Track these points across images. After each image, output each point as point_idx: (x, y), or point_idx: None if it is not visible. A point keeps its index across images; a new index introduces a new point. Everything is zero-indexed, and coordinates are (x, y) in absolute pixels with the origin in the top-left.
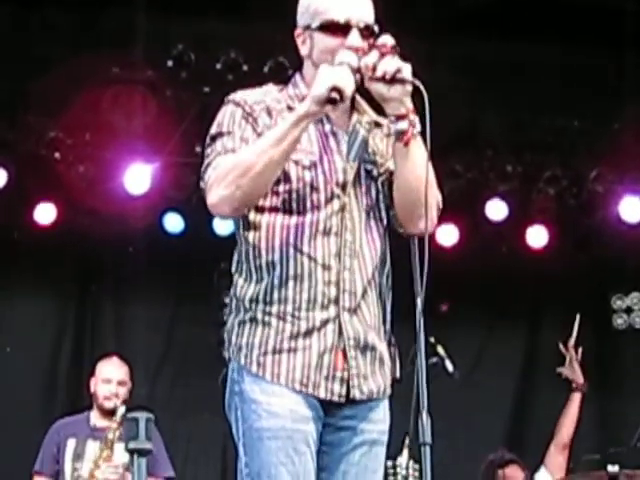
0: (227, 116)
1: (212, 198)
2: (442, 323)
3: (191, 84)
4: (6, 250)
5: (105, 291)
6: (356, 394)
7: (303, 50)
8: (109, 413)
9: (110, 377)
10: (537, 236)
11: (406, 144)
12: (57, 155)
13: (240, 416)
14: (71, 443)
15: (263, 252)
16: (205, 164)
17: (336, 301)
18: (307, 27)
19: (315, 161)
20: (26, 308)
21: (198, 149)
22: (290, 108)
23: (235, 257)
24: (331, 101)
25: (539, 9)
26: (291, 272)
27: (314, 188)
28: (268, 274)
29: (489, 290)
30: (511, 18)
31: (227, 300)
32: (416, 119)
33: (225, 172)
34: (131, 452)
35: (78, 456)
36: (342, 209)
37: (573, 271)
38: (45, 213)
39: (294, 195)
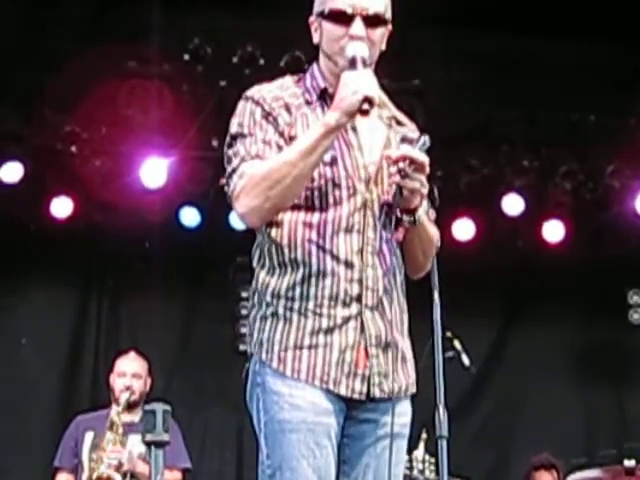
0: (247, 116)
1: (241, 208)
2: (458, 317)
3: (207, 78)
4: (23, 244)
5: (121, 285)
6: (376, 392)
7: (315, 38)
8: (127, 406)
9: (124, 370)
10: (553, 231)
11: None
12: (73, 149)
13: (262, 407)
14: (89, 436)
15: (286, 249)
16: (230, 169)
17: (358, 299)
18: (319, 14)
19: (336, 157)
20: (42, 301)
21: (215, 143)
22: (308, 103)
23: (257, 251)
24: (363, 112)
25: (555, 4)
26: (314, 269)
27: (336, 184)
28: (291, 270)
29: (505, 284)
30: (527, 13)
31: (248, 294)
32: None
33: (253, 183)
34: (148, 444)
35: (95, 446)
36: (364, 206)
37: (589, 266)
38: (61, 207)
39: (316, 192)
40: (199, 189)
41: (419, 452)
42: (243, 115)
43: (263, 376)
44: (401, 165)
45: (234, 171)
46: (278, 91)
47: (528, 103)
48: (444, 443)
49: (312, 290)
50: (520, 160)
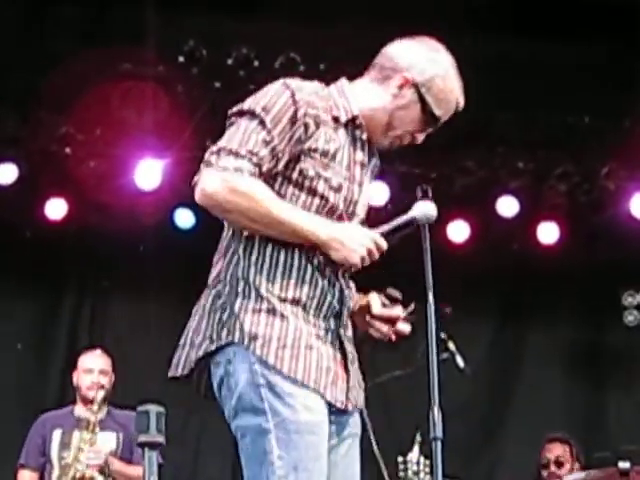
0: (277, 106)
1: (216, 197)
2: (453, 319)
3: (202, 80)
4: (16, 246)
5: (116, 287)
6: (349, 406)
7: (391, 90)
8: (93, 403)
9: (91, 367)
10: (548, 232)
11: None
12: (68, 151)
13: (269, 409)
14: (57, 434)
15: (282, 253)
16: (230, 146)
17: (337, 316)
18: (417, 86)
19: (341, 185)
20: (35, 303)
21: (209, 144)
22: (336, 119)
23: (243, 240)
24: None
25: (552, 6)
26: (307, 278)
27: (332, 210)
28: (285, 272)
29: (500, 286)
30: (523, 15)
31: (221, 275)
32: None
33: (247, 199)
34: (142, 445)
35: (65, 445)
36: None
37: (584, 268)
38: (56, 209)
39: (313, 209)
40: (194, 191)
41: (414, 454)
42: (274, 103)
43: (268, 376)
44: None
45: (235, 154)
46: (316, 99)
47: (523, 105)
48: (439, 444)
49: (303, 297)
50: (515, 162)
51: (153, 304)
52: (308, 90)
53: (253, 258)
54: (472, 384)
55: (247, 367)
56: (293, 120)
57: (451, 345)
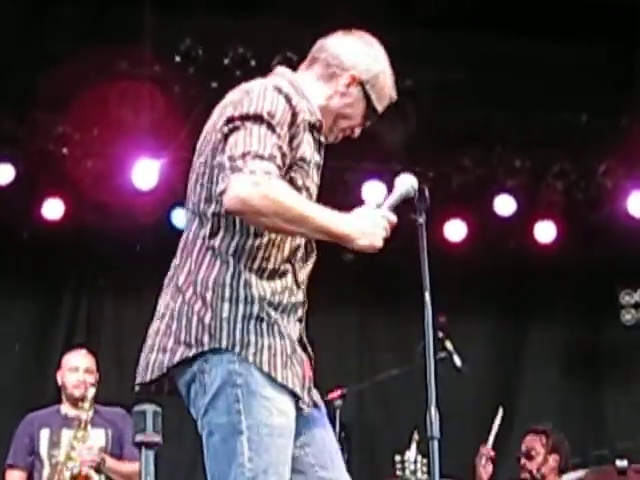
0: (280, 111)
1: (252, 200)
2: (450, 318)
3: (199, 79)
4: (14, 245)
5: (113, 286)
6: (311, 405)
7: (339, 88)
8: (79, 401)
9: (77, 365)
10: (545, 231)
11: None
12: (65, 151)
13: (243, 409)
14: (45, 433)
15: (273, 258)
16: (253, 152)
17: (301, 320)
18: (362, 84)
19: (313, 191)
20: (33, 303)
21: None
22: (312, 126)
23: (231, 242)
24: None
25: (550, 5)
26: (289, 284)
27: None
28: (270, 278)
29: (497, 285)
30: (521, 14)
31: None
32: None
33: (277, 199)
34: (139, 445)
35: (54, 444)
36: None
37: (581, 266)
38: (53, 209)
39: None
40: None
41: (411, 453)
42: (276, 108)
43: (247, 377)
44: None
45: (260, 157)
46: (303, 103)
47: (520, 103)
48: (435, 444)
49: (285, 302)
50: (512, 160)
51: (150, 303)
52: (294, 92)
53: (242, 264)
54: (469, 383)
55: (225, 367)
56: (291, 126)
57: (448, 344)
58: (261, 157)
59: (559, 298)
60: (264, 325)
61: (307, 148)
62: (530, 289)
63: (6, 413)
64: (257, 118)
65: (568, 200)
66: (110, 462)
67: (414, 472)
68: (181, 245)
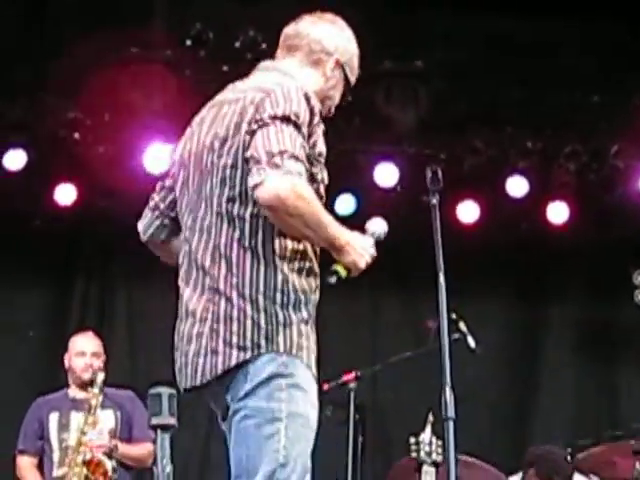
0: (302, 112)
1: (288, 200)
2: (463, 299)
3: (210, 63)
4: (27, 231)
5: (125, 272)
6: None
7: (327, 72)
8: (87, 385)
9: (84, 350)
10: (558, 212)
11: None
12: (77, 136)
13: (286, 398)
14: (54, 416)
15: (307, 257)
16: (289, 151)
17: None
18: (343, 66)
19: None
20: (44, 289)
21: None
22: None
23: (271, 242)
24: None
25: None
26: (318, 282)
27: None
28: (309, 277)
29: (510, 266)
30: None
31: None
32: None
33: (306, 202)
34: (154, 428)
35: (63, 427)
36: None
37: (594, 247)
38: (65, 194)
39: None
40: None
41: (426, 435)
42: (299, 109)
43: (292, 370)
44: None
45: (295, 158)
46: (318, 102)
47: (532, 84)
48: (451, 425)
49: (315, 300)
50: (524, 142)
51: (160, 288)
52: (313, 95)
53: (285, 265)
54: (483, 364)
55: (274, 360)
56: (310, 125)
57: (462, 326)
58: (296, 158)
59: (572, 279)
60: (308, 326)
61: (322, 142)
62: (543, 270)
63: (21, 398)
64: (285, 119)
65: (580, 181)
66: (121, 447)
67: (429, 454)
68: (209, 247)
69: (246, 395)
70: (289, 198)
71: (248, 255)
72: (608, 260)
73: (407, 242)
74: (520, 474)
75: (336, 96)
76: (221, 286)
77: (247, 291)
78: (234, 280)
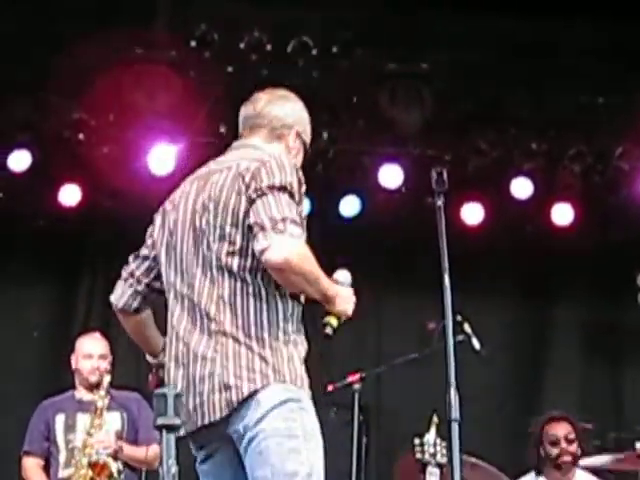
0: (295, 183)
1: (294, 262)
2: (468, 301)
3: (214, 64)
4: (31, 231)
5: None
6: None
7: (289, 144)
8: (94, 387)
9: (91, 352)
10: (563, 214)
11: None
12: (81, 136)
13: (299, 418)
14: (60, 418)
15: (296, 299)
16: (290, 217)
17: None
18: (303, 140)
19: None
20: (48, 290)
21: (222, 129)
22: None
23: (273, 289)
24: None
25: None
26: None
27: None
28: (293, 315)
29: (514, 268)
30: None
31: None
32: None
33: (309, 262)
34: (160, 428)
35: (70, 428)
36: None
37: (598, 248)
38: (69, 195)
39: None
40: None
41: (430, 436)
42: (292, 177)
43: (300, 396)
44: None
45: (295, 223)
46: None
47: (536, 85)
48: (455, 426)
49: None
50: (529, 143)
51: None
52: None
53: (284, 306)
54: (488, 366)
55: (284, 388)
56: (299, 194)
57: (467, 327)
58: (296, 223)
59: (577, 280)
60: (297, 355)
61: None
62: (548, 272)
63: (25, 398)
64: (282, 188)
65: (585, 183)
66: (127, 449)
67: (433, 455)
68: (213, 297)
69: (262, 419)
70: (293, 259)
71: (251, 300)
72: (612, 262)
73: (411, 243)
74: None
75: (299, 161)
76: (227, 328)
77: (252, 331)
78: (239, 322)
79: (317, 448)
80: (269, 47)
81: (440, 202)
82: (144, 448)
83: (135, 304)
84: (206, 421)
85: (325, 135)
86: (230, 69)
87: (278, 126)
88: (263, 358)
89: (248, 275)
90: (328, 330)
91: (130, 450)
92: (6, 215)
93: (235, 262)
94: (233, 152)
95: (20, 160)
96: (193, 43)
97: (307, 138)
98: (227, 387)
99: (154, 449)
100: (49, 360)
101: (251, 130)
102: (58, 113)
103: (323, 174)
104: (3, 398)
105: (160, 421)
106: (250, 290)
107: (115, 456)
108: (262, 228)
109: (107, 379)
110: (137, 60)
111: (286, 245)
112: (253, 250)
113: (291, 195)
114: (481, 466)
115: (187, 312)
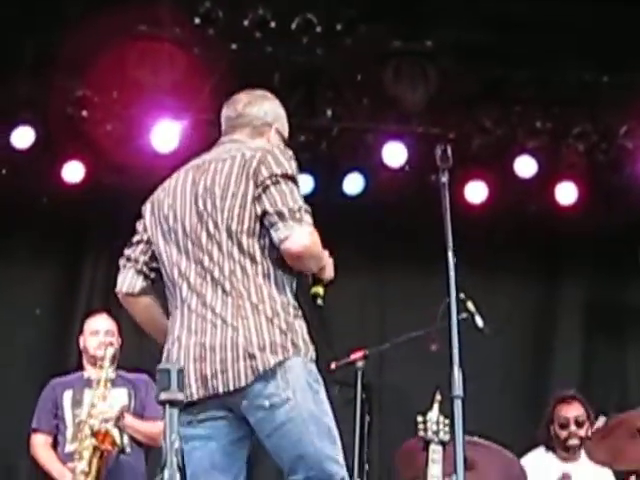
0: (296, 174)
1: (313, 249)
2: (471, 280)
3: (219, 41)
4: (35, 209)
5: None
6: None
7: (270, 138)
8: (99, 361)
9: (98, 328)
10: (567, 192)
11: None
12: (85, 113)
13: (319, 400)
14: (68, 394)
15: (293, 276)
16: (303, 207)
17: None
18: (282, 135)
19: None
20: (51, 267)
21: None
22: None
23: (281, 267)
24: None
25: None
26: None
27: None
28: (294, 290)
29: (518, 247)
30: None
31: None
32: None
33: (319, 246)
34: (163, 403)
35: (77, 403)
36: None
37: (602, 227)
38: (73, 172)
39: None
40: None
41: (433, 413)
42: (294, 166)
43: (314, 372)
44: None
45: (307, 211)
46: None
47: (541, 64)
48: (459, 403)
49: None
50: (533, 121)
51: None
52: None
53: (292, 284)
54: (491, 344)
55: (305, 368)
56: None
57: (470, 305)
58: (308, 211)
59: (580, 259)
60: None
61: None
62: (551, 250)
63: (26, 375)
64: (292, 178)
65: (589, 161)
66: (130, 419)
67: (436, 432)
68: (225, 273)
69: (288, 400)
70: (312, 246)
71: (261, 278)
72: (616, 240)
73: (415, 221)
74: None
75: None
76: (246, 303)
77: (267, 305)
78: (254, 298)
79: (332, 423)
80: (273, 24)
81: (444, 179)
82: (150, 423)
83: (138, 284)
84: (231, 387)
85: (329, 113)
86: (234, 46)
87: (259, 124)
88: (283, 331)
89: (258, 254)
90: (320, 302)
91: (133, 421)
92: (9, 192)
93: (244, 242)
94: (225, 145)
95: (23, 137)
96: (197, 20)
97: (285, 133)
98: (252, 356)
99: (159, 425)
100: (52, 338)
101: (234, 129)
102: (62, 90)
103: (327, 152)
104: (4, 376)
105: (163, 396)
106: (260, 269)
107: (120, 428)
108: (281, 217)
109: (110, 351)
110: (141, 37)
111: (305, 234)
112: (261, 231)
113: (296, 183)
114: (485, 445)
115: (199, 288)
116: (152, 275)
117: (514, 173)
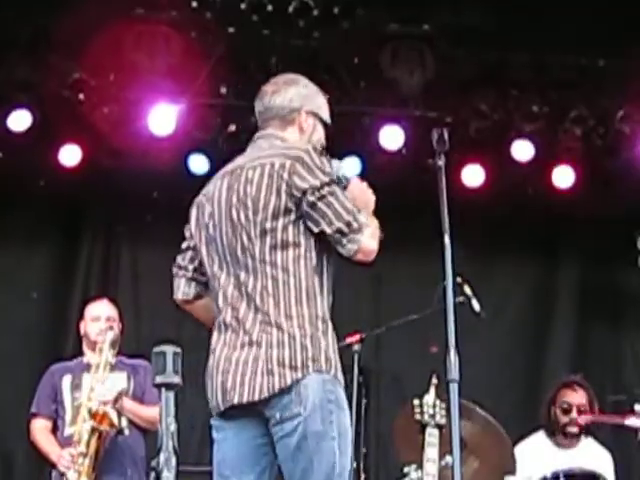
0: (329, 168)
1: (375, 248)
2: (468, 263)
3: (216, 25)
4: (31, 192)
5: (130, 232)
6: None
7: (302, 125)
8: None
9: (98, 314)
10: (563, 177)
11: None
12: (81, 96)
13: (335, 420)
14: (67, 378)
15: (327, 278)
16: (355, 210)
17: None
18: (315, 114)
19: None
20: (48, 250)
21: (223, 90)
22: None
23: (312, 281)
24: None
25: None
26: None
27: None
28: (324, 298)
29: (515, 231)
30: None
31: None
32: None
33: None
34: (158, 386)
35: (76, 386)
36: None
37: (599, 211)
38: (69, 155)
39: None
40: (208, 136)
41: (430, 397)
42: (328, 168)
43: (337, 394)
44: None
45: (359, 212)
46: None
47: (538, 48)
48: (455, 387)
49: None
50: (530, 105)
51: (165, 249)
52: None
53: (324, 298)
54: (488, 328)
55: (322, 385)
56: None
57: (467, 289)
58: (360, 211)
59: (577, 243)
60: (331, 340)
61: None
62: (548, 235)
63: (23, 359)
64: (331, 182)
65: (586, 146)
66: (128, 402)
67: (433, 416)
68: (257, 288)
69: (299, 417)
70: (375, 247)
71: (292, 291)
72: (613, 225)
73: (411, 205)
74: None
75: (320, 134)
76: (272, 319)
77: (295, 321)
78: (282, 313)
79: (347, 448)
80: (270, 8)
81: (441, 162)
82: (147, 407)
83: (192, 290)
84: (244, 400)
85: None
86: (231, 30)
87: (286, 113)
88: (304, 347)
89: (291, 266)
90: None
91: (131, 405)
92: (6, 175)
93: (278, 255)
94: (257, 143)
95: (20, 120)
96: (194, 3)
97: (321, 111)
98: (270, 373)
99: (158, 410)
100: (49, 321)
101: (265, 123)
102: (58, 73)
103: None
104: (2, 358)
105: (159, 379)
106: (292, 282)
107: (118, 410)
108: (342, 234)
109: (109, 335)
110: (138, 20)
111: (369, 241)
112: (293, 242)
113: (336, 183)
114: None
115: (234, 301)
116: (204, 279)
117: (511, 157)
